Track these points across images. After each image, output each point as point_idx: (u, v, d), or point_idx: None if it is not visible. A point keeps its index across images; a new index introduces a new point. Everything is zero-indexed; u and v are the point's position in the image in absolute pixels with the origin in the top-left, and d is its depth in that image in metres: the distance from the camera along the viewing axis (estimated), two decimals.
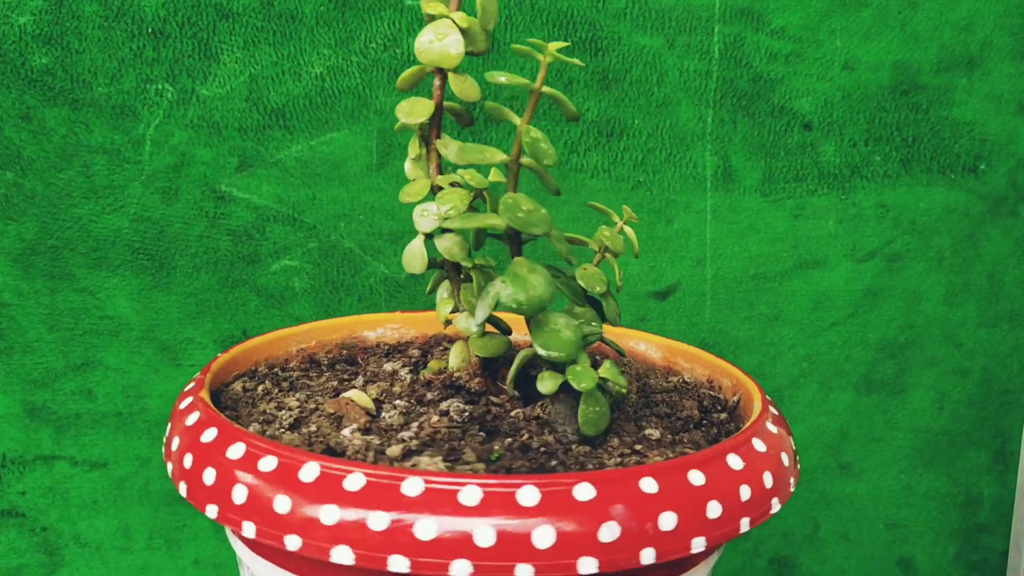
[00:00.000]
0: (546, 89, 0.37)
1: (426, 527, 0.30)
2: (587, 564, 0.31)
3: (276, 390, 0.45)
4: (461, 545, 0.30)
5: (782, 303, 0.68)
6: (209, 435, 0.36)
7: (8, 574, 0.65)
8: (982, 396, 0.71)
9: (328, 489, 0.32)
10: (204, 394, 0.40)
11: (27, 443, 0.63)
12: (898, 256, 0.68)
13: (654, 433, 0.39)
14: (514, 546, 0.30)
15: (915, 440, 0.71)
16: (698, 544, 0.32)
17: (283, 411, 0.41)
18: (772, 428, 0.38)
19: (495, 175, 0.45)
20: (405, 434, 0.38)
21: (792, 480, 0.38)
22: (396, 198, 0.63)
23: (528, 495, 0.31)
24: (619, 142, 0.64)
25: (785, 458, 0.37)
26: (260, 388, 0.45)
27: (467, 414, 0.39)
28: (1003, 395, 0.71)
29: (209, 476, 0.34)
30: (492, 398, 0.40)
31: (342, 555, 0.31)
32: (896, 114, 0.66)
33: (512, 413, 0.40)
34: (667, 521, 0.32)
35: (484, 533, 0.30)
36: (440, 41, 0.38)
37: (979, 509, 0.73)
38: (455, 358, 0.42)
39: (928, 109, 0.66)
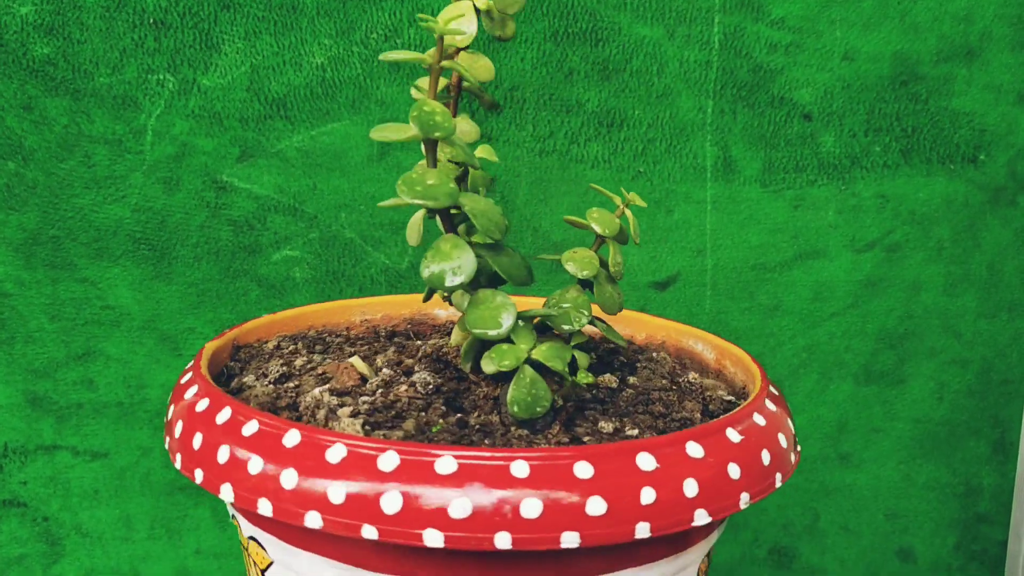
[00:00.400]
0: (446, 63, 0.37)
1: (290, 477, 0.33)
2: (433, 537, 0.31)
3: (304, 351, 0.45)
4: (314, 500, 0.32)
5: (782, 293, 0.68)
6: (185, 378, 0.41)
7: (10, 564, 0.65)
8: (982, 386, 0.71)
9: (230, 430, 0.35)
10: (213, 343, 0.44)
11: (28, 433, 0.63)
12: (898, 246, 0.68)
13: (607, 427, 0.38)
14: (364, 506, 0.32)
15: (915, 430, 0.71)
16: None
17: (284, 367, 0.42)
18: (734, 436, 0.36)
19: (485, 152, 0.44)
20: (367, 399, 0.39)
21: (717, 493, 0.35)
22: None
23: (387, 460, 0.32)
24: (619, 132, 0.64)
25: (733, 470, 0.35)
26: (291, 348, 0.46)
27: (431, 387, 0.40)
28: (1002, 385, 0.71)
29: (171, 412, 0.39)
30: (472, 375, 0.41)
31: (226, 493, 0.34)
32: (896, 104, 0.66)
33: (477, 391, 0.40)
34: (531, 508, 0.31)
35: (336, 491, 0.32)
36: (456, 21, 0.38)
37: (979, 499, 0.73)
38: (455, 335, 0.42)
39: (928, 99, 0.66)
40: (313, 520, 0.32)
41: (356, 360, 0.41)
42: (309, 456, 0.33)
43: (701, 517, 0.33)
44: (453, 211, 0.39)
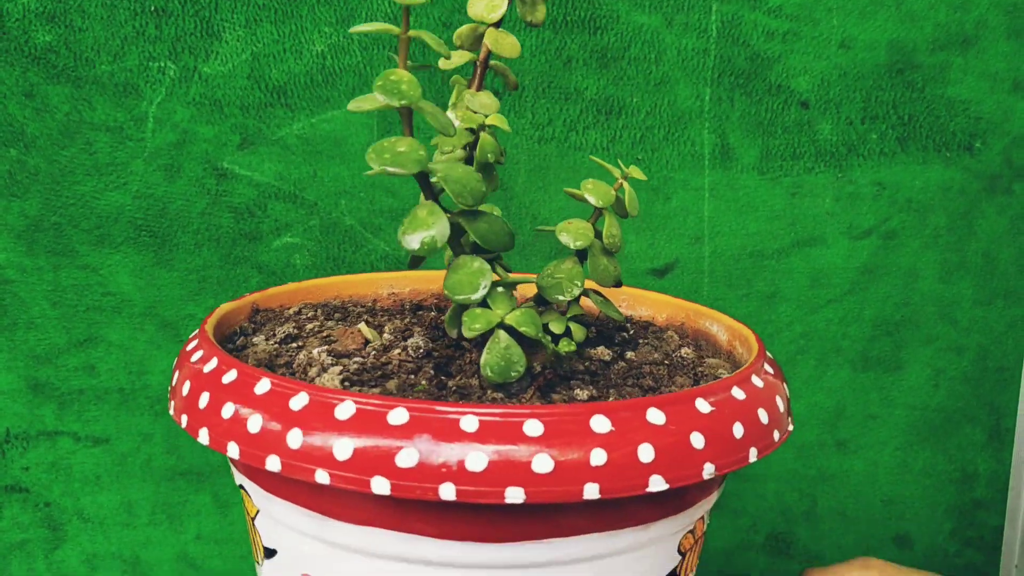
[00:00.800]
0: (412, 32, 0.37)
1: (255, 422, 0.35)
2: (380, 484, 0.32)
3: (322, 317, 0.47)
4: (275, 444, 0.34)
5: (779, 281, 0.68)
6: (194, 332, 0.43)
7: (12, 549, 0.65)
8: (978, 373, 0.72)
9: (213, 378, 0.37)
10: (229, 304, 0.46)
11: (30, 419, 0.63)
12: (894, 234, 0.68)
13: (583, 395, 0.39)
14: (318, 452, 0.33)
15: (911, 417, 0.72)
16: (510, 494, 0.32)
17: (295, 330, 0.44)
18: (703, 406, 0.36)
19: (496, 120, 0.45)
20: (359, 360, 0.40)
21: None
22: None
23: (344, 409, 0.33)
24: (618, 120, 0.65)
25: (696, 440, 0.35)
26: (310, 313, 0.47)
27: (421, 351, 0.41)
28: (998, 372, 0.72)
29: (175, 363, 0.42)
30: (465, 342, 0.41)
31: (203, 437, 0.36)
32: (892, 92, 0.66)
33: (467, 357, 0.41)
34: (476, 462, 0.32)
35: (295, 437, 0.33)
36: (487, 1, 0.39)
37: (975, 485, 0.74)
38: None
39: (924, 87, 0.66)
40: (273, 464, 0.33)
41: (363, 326, 0.42)
42: (275, 403, 0.34)
43: (657, 483, 0.33)
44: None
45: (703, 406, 0.35)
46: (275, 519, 0.39)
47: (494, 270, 0.43)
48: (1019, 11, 0.66)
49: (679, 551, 0.39)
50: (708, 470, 0.34)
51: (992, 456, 0.73)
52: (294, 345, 0.42)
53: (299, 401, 0.34)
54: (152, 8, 0.60)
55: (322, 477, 0.33)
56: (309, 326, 0.45)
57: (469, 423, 0.32)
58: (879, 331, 0.70)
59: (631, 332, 0.49)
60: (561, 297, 0.41)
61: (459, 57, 0.41)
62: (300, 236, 0.63)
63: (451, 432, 0.32)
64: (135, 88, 0.60)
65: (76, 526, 0.65)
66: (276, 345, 0.42)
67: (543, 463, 0.32)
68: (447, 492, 0.32)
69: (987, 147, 0.68)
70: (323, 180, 0.63)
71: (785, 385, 0.41)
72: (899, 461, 0.73)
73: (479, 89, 0.42)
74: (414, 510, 0.35)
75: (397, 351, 0.41)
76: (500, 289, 0.38)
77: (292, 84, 0.62)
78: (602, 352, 0.43)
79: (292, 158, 0.62)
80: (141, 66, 0.60)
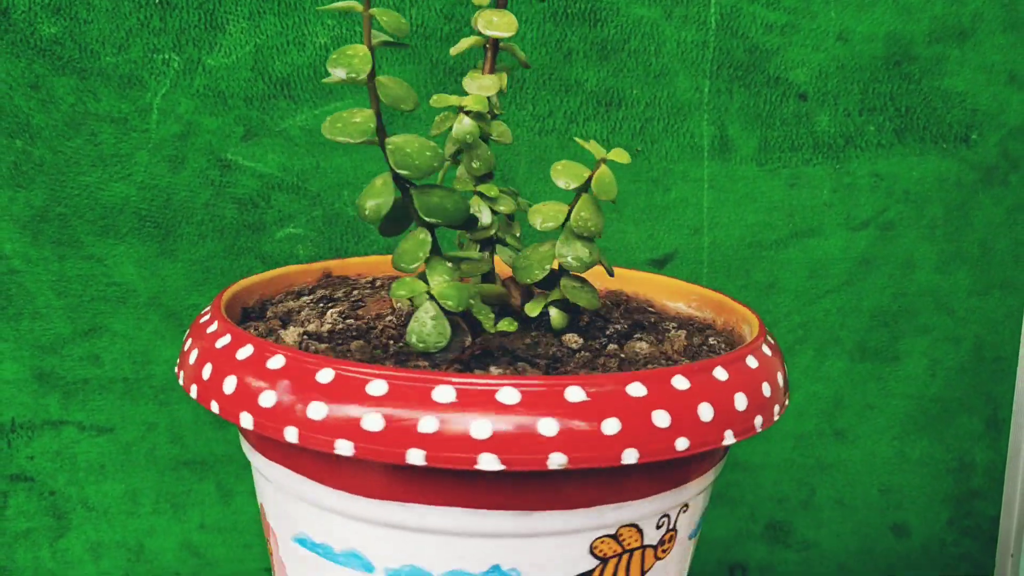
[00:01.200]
0: (373, 11, 0.38)
1: (207, 369, 0.38)
2: (291, 433, 0.35)
3: (368, 288, 0.50)
4: (215, 390, 0.37)
5: (778, 271, 0.69)
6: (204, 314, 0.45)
7: (17, 537, 0.66)
8: (974, 363, 0.72)
9: (202, 328, 0.41)
10: (298, 267, 0.52)
11: (35, 408, 0.64)
12: (891, 225, 0.69)
13: (496, 371, 0.39)
14: (247, 399, 0.36)
15: (908, 407, 0.72)
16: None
17: (341, 294, 0.47)
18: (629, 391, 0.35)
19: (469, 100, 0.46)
20: (352, 322, 0.42)
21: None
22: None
23: (275, 361, 0.36)
24: (617, 111, 0.65)
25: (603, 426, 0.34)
26: (378, 283, 0.50)
27: (403, 318, 0.43)
28: (995, 362, 0.72)
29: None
30: (457, 317, 0.43)
31: (183, 379, 0.40)
32: (889, 84, 0.67)
33: None
34: (373, 423, 0.34)
35: (230, 383, 0.37)
36: None
37: (972, 475, 0.74)
38: None
39: (921, 79, 0.67)
40: (215, 407, 0.37)
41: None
42: (226, 353, 0.38)
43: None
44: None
45: (638, 390, 0.35)
46: (258, 471, 0.41)
47: (493, 251, 0.44)
48: (1015, 4, 0.66)
49: (593, 555, 0.38)
50: (630, 456, 0.34)
51: (989, 446, 0.74)
52: (320, 306, 0.43)
53: (244, 352, 0.37)
54: (156, 0, 0.60)
55: (247, 422, 0.35)
56: (356, 293, 0.46)
57: (377, 387, 0.34)
58: (876, 321, 0.71)
59: (656, 323, 0.49)
60: (528, 279, 0.41)
61: (466, 42, 0.42)
62: (303, 227, 0.64)
63: (355, 393, 0.34)
64: (140, 80, 0.61)
65: (81, 515, 0.66)
66: (304, 305, 0.44)
67: (429, 424, 0.33)
68: (343, 448, 0.34)
69: (983, 139, 0.68)
70: (326, 171, 0.63)
71: (766, 383, 0.40)
72: (896, 451, 0.73)
73: (491, 71, 0.43)
74: (317, 461, 0.37)
75: (389, 318, 0.42)
76: (447, 264, 0.39)
77: (295, 76, 0.62)
78: (570, 339, 0.43)
79: (295, 150, 0.63)
80: (145, 58, 0.61)
